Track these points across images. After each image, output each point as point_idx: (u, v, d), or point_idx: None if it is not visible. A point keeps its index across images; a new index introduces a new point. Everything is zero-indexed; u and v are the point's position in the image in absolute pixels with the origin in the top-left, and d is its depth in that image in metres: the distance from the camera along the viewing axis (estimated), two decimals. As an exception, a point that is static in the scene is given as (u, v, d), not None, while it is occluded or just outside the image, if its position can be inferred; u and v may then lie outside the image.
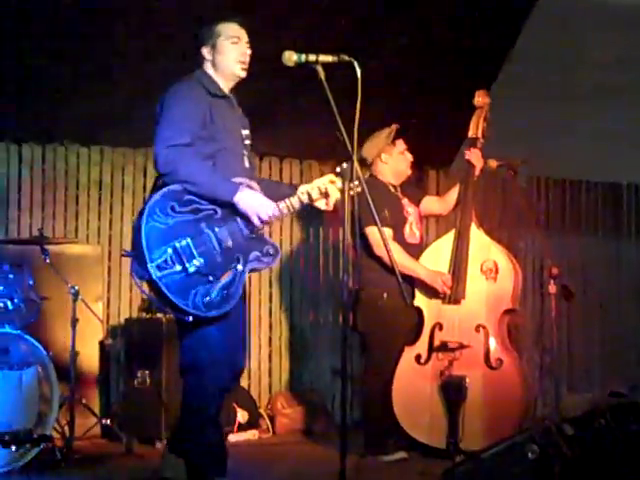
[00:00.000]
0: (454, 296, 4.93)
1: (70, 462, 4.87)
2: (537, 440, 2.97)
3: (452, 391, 4.82)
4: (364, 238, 4.97)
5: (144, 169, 6.60)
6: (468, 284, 4.94)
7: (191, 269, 3.50)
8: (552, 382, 6.38)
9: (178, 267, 3.49)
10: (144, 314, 6.02)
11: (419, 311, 5.05)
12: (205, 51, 3.89)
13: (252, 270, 3.73)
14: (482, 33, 5.89)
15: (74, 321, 5.28)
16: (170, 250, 3.49)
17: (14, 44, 5.38)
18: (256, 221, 3.67)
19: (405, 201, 5.23)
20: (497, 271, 4.95)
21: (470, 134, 5.12)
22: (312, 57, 3.61)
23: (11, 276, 5.02)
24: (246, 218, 3.66)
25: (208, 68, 3.90)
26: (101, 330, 6.19)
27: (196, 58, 3.94)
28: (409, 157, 5.22)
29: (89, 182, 6.50)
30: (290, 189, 3.92)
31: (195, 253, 3.53)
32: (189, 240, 3.53)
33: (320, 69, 3.60)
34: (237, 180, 3.71)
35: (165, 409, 5.62)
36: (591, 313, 7.68)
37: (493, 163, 5.13)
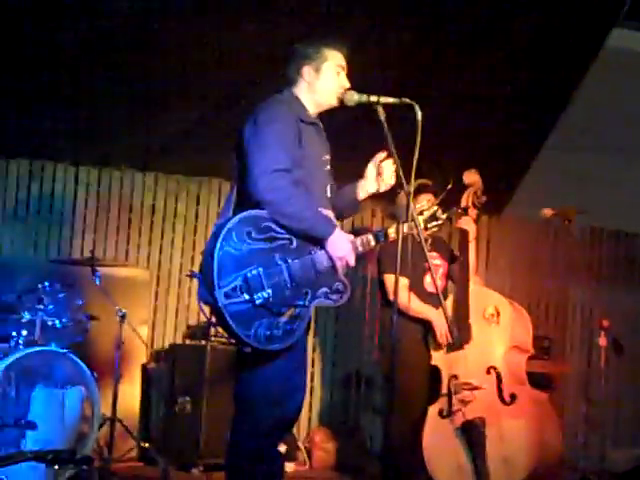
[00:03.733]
0: (457, 343, 5.03)
1: (106, 484, 4.90)
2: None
3: (471, 433, 4.90)
4: (382, 284, 5.24)
5: (197, 197, 6.67)
6: (474, 332, 5.06)
7: (258, 301, 3.36)
8: (598, 436, 6.28)
9: (246, 297, 3.35)
10: (188, 340, 6.04)
11: (436, 369, 5.15)
12: (306, 71, 3.70)
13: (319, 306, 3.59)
14: (540, 82, 5.87)
15: (119, 343, 5.31)
16: (240, 278, 3.36)
17: (77, 68, 5.47)
18: (340, 268, 3.56)
19: (434, 254, 5.34)
20: (499, 315, 5.09)
21: (462, 205, 5.18)
22: (374, 98, 3.60)
23: (61, 295, 5.08)
24: (323, 253, 3.53)
25: (300, 90, 3.73)
26: (145, 354, 6.22)
27: (287, 74, 3.74)
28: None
29: (142, 207, 6.58)
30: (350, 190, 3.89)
31: (265, 284, 3.38)
32: (261, 270, 3.39)
33: (381, 109, 3.60)
34: (323, 211, 3.61)
35: (204, 437, 5.61)
36: (639, 368, 7.55)
37: (548, 212, 5.13)
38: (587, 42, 5.75)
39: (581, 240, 7.43)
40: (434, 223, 3.84)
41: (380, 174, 3.82)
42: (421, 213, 3.82)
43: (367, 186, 3.89)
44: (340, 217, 3.93)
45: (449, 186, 4.77)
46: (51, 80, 5.58)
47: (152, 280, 6.48)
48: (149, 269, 6.49)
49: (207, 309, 3.48)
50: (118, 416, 5.40)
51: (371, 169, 3.85)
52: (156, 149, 6.30)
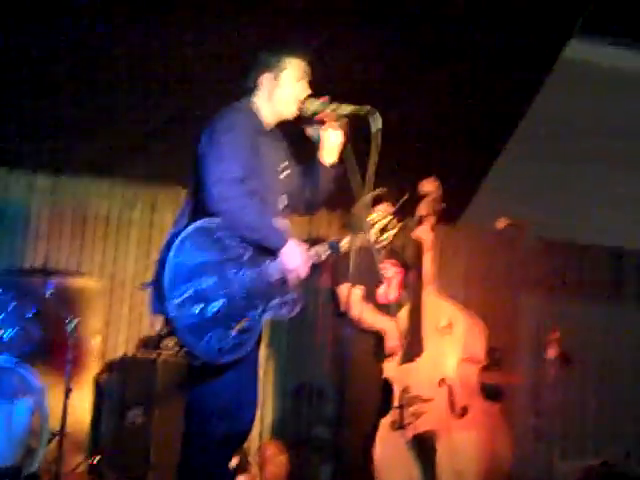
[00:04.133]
0: (409, 355, 5.03)
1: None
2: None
3: (422, 446, 4.90)
4: (335, 295, 5.24)
5: (152, 204, 6.60)
6: (427, 343, 5.06)
7: (210, 312, 3.33)
8: (545, 447, 6.32)
9: (197, 308, 3.32)
10: (141, 352, 5.98)
11: (388, 381, 5.14)
12: (264, 79, 3.69)
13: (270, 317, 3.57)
14: (497, 93, 5.94)
15: (71, 355, 5.24)
16: (192, 289, 3.32)
17: (34, 75, 5.42)
18: (292, 280, 3.55)
19: (389, 265, 5.36)
20: (452, 326, 5.11)
21: (419, 214, 5.21)
22: (333, 106, 3.63)
23: (12, 305, 5.00)
24: (276, 264, 3.52)
25: (260, 98, 3.71)
26: (97, 365, 6.15)
27: (245, 82, 3.73)
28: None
29: (96, 216, 6.50)
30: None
31: (217, 296, 3.35)
32: (213, 281, 3.36)
33: (342, 119, 3.62)
34: (277, 222, 3.59)
35: (155, 450, 5.55)
36: (588, 378, 7.64)
37: (501, 223, 5.18)
38: (543, 54, 5.84)
39: (533, 251, 7.50)
40: (388, 233, 3.84)
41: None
42: (375, 224, 3.82)
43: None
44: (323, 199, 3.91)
45: (405, 197, 4.81)
46: (4, 87, 5.52)
47: (105, 290, 6.40)
48: (102, 279, 6.42)
49: (160, 320, 3.45)
50: (68, 429, 5.31)
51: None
52: (111, 157, 6.23)
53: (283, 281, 3.56)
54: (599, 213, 6.97)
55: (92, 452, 5.82)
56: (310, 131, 3.79)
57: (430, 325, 5.11)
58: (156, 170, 6.41)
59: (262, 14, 5.19)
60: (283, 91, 3.69)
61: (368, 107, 3.53)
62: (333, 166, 3.81)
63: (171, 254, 3.32)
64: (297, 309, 3.61)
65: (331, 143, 3.76)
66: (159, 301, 3.34)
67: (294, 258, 3.55)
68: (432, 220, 5.26)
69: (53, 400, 5.16)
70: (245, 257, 3.48)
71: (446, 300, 5.37)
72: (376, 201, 5.12)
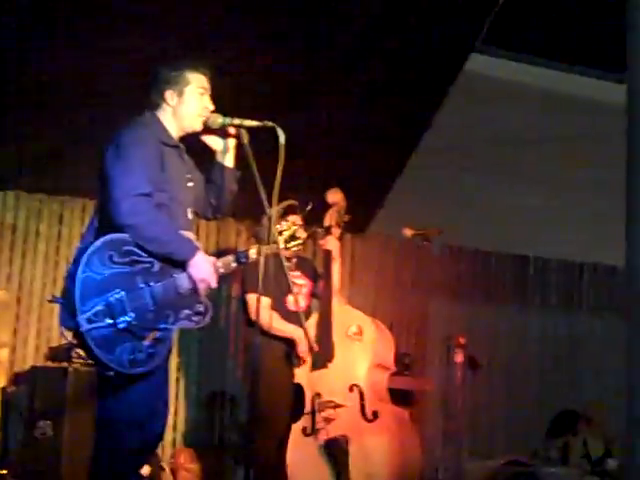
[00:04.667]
0: (320, 361, 5.10)
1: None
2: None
3: (334, 450, 4.97)
4: (244, 303, 5.27)
5: (60, 216, 6.56)
6: (337, 350, 5.14)
7: (121, 325, 3.35)
8: (455, 448, 6.46)
9: (108, 321, 3.33)
10: (50, 362, 5.91)
11: (299, 387, 5.21)
12: (168, 95, 3.69)
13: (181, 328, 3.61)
14: (401, 104, 6.05)
15: (-23, 367, 5.18)
16: (102, 303, 3.34)
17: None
18: (202, 290, 3.58)
19: (298, 273, 5.40)
20: (362, 333, 5.19)
21: (324, 224, 5.30)
22: (237, 121, 3.67)
23: None
24: (184, 275, 3.54)
25: (163, 113, 3.72)
26: (4, 377, 6.06)
27: (149, 97, 3.72)
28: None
29: (2, 226, 6.43)
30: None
31: (127, 308, 3.37)
32: (123, 294, 3.37)
33: (244, 133, 3.66)
34: (185, 234, 3.62)
35: (65, 462, 5.50)
36: (496, 381, 7.82)
37: (409, 232, 5.27)
38: (446, 66, 5.97)
39: (440, 258, 7.64)
40: (294, 242, 3.90)
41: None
42: (281, 233, 3.88)
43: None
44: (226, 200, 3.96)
45: (309, 206, 4.89)
46: None
47: (12, 301, 6.32)
48: (9, 290, 6.33)
49: (69, 334, 3.45)
50: (-25, 442, 5.25)
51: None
52: (18, 167, 6.16)
53: (193, 291, 3.59)
54: (503, 221, 7.15)
55: (0, 464, 5.73)
56: (209, 139, 3.85)
57: (340, 332, 5.19)
58: (62, 183, 6.36)
59: (163, 28, 5.19)
60: (188, 107, 3.71)
61: (271, 123, 3.60)
62: (234, 168, 3.89)
63: (80, 269, 3.34)
64: (207, 319, 3.65)
65: (231, 148, 3.84)
66: (70, 315, 3.35)
67: (203, 269, 3.58)
68: (338, 230, 5.34)
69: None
70: (154, 269, 3.50)
71: (354, 308, 5.46)
72: (285, 212, 5.20)
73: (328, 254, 5.34)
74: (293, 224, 3.92)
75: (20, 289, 6.43)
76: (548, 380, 8.09)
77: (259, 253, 3.67)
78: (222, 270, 3.67)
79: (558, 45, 6.12)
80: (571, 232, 7.39)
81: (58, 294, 3.54)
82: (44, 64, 5.32)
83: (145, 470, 5.94)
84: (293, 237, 3.88)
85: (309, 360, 5.15)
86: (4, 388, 6.07)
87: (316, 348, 4.93)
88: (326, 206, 5.32)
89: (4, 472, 5.50)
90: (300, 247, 3.92)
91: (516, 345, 8.04)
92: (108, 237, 3.43)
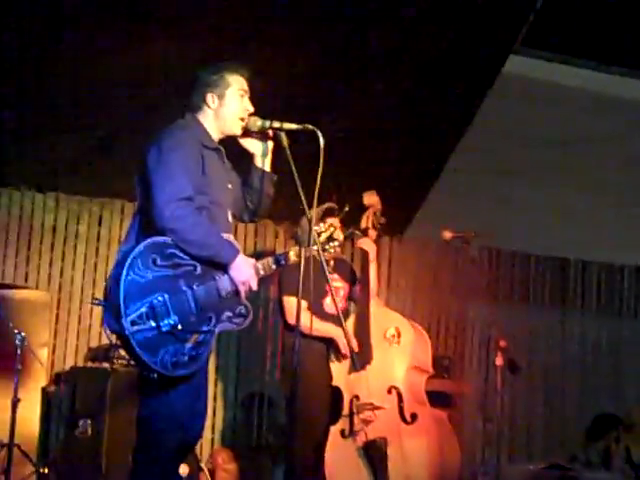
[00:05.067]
0: (360, 364, 5.07)
1: (4, 511, 4.81)
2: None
3: (373, 452, 4.96)
4: (282, 306, 5.29)
5: (99, 218, 6.61)
6: (375, 353, 5.14)
7: (164, 327, 3.37)
8: (494, 452, 6.43)
9: (152, 324, 3.35)
10: (90, 363, 5.96)
11: (338, 389, 5.19)
12: (209, 98, 3.69)
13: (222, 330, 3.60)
14: (440, 107, 6.03)
15: (18, 367, 5.23)
16: (146, 306, 3.35)
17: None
18: (243, 292, 3.59)
19: (336, 276, 5.38)
20: (400, 335, 5.19)
21: (361, 226, 5.30)
22: (277, 124, 3.67)
23: (-40, 317, 4.98)
24: (226, 278, 3.55)
25: (205, 116, 3.72)
26: (45, 377, 6.12)
27: (188, 100, 3.72)
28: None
29: (43, 228, 6.48)
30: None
31: (170, 311, 3.39)
32: (166, 297, 3.39)
33: (284, 136, 3.66)
34: (225, 236, 3.62)
35: (105, 461, 5.54)
36: (535, 385, 7.77)
37: (447, 234, 5.26)
38: (485, 68, 5.93)
39: (479, 261, 7.61)
40: (332, 244, 3.90)
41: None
42: (319, 235, 3.88)
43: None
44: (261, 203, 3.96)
45: (346, 208, 4.88)
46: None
47: (53, 302, 6.37)
48: (49, 291, 6.39)
49: (113, 336, 3.48)
50: (16, 441, 5.29)
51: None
52: (57, 169, 6.21)
53: (234, 294, 3.61)
54: (542, 223, 7.10)
55: (41, 463, 5.78)
56: (247, 142, 3.86)
57: (378, 335, 5.18)
58: (101, 185, 6.41)
59: (200, 30, 5.21)
60: (229, 109, 3.72)
61: (311, 126, 3.60)
62: (272, 172, 3.90)
63: (124, 272, 3.35)
64: (248, 320, 3.66)
65: (269, 151, 3.85)
66: (114, 319, 3.37)
67: (244, 271, 3.59)
68: (375, 232, 5.34)
69: (1, 412, 5.14)
70: (197, 272, 3.52)
71: (392, 310, 5.45)
72: (324, 214, 5.21)
73: (365, 256, 5.33)
74: (331, 226, 3.92)
75: (60, 290, 6.48)
76: (588, 384, 8.02)
77: (298, 255, 3.67)
78: (262, 272, 3.68)
79: (596, 46, 6.07)
80: (612, 234, 7.32)
81: (97, 295, 3.58)
82: (82, 65, 5.35)
83: (184, 470, 5.97)
84: (331, 238, 3.88)
85: (347, 363, 5.14)
86: (44, 388, 6.13)
87: (356, 348, 4.93)
88: (363, 208, 5.32)
89: (45, 471, 5.54)
90: (337, 248, 3.92)
91: (556, 348, 7.98)
92: (150, 240, 3.45)
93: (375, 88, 5.76)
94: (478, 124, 6.22)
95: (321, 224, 3.86)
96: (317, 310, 5.15)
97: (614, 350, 8.14)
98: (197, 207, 3.54)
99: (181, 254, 3.48)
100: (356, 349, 4.93)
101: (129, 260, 3.37)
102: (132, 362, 3.78)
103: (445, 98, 5.91)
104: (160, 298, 3.39)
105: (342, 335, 5.08)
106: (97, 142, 5.84)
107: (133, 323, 3.34)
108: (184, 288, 3.46)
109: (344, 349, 5.11)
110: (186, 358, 3.43)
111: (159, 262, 3.43)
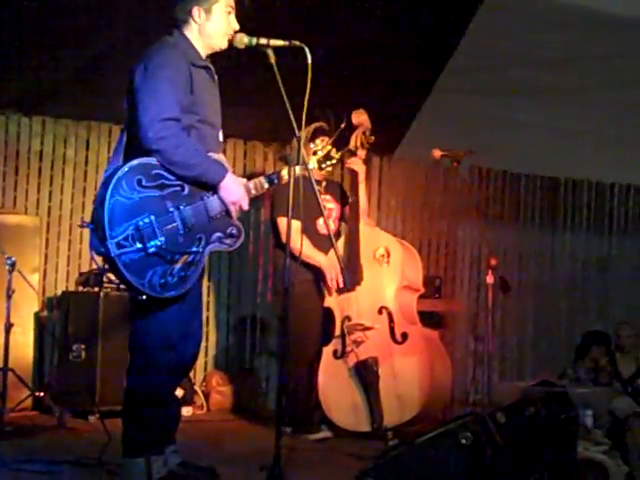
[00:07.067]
0: (349, 285, 5.09)
1: (0, 434, 4.83)
2: (470, 427, 3.04)
3: (364, 372, 5.01)
4: (275, 226, 5.29)
5: (86, 142, 6.56)
6: (365, 272, 5.15)
7: (151, 249, 3.35)
8: (485, 370, 6.49)
9: (138, 245, 3.33)
10: (81, 287, 5.97)
11: (330, 311, 5.23)
12: (196, 12, 3.64)
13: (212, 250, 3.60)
14: (429, 26, 5.93)
15: (10, 292, 5.23)
16: (132, 227, 3.33)
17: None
18: (234, 213, 3.58)
19: (328, 197, 5.39)
20: (389, 255, 5.18)
21: (350, 146, 5.25)
22: (263, 41, 3.62)
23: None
24: (215, 198, 3.55)
25: (190, 31, 3.68)
26: (37, 302, 6.13)
27: (174, 15, 3.67)
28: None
29: (29, 153, 6.42)
30: None
31: (157, 232, 3.37)
32: (152, 218, 3.37)
33: (271, 53, 3.61)
34: (215, 156, 3.61)
35: (99, 384, 5.59)
36: (525, 303, 7.83)
37: (437, 153, 5.21)
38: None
39: (469, 180, 7.60)
40: (328, 162, 3.88)
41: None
42: (315, 153, 3.85)
43: None
44: None
45: (342, 125, 4.83)
46: None
47: (42, 227, 6.34)
48: (38, 216, 6.35)
49: (100, 259, 3.46)
50: (10, 366, 5.31)
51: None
52: (43, 92, 6.12)
53: (225, 214, 3.59)
54: (533, 143, 7.06)
55: (37, 388, 5.83)
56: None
57: (367, 255, 5.18)
58: (88, 108, 6.33)
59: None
60: (215, 25, 3.68)
61: (298, 42, 3.55)
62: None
63: (108, 194, 3.32)
64: (240, 241, 3.65)
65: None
66: (99, 241, 3.35)
67: (234, 191, 3.58)
68: (364, 152, 5.29)
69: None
70: (184, 193, 3.50)
71: (381, 230, 5.44)
72: (314, 134, 5.16)
73: (355, 176, 5.30)
74: (327, 144, 3.89)
75: (49, 215, 6.45)
76: (577, 302, 8.09)
77: (290, 175, 3.64)
78: (254, 192, 3.67)
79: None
80: (603, 153, 7.29)
81: (87, 219, 3.54)
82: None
83: (178, 393, 6.03)
84: (327, 157, 3.86)
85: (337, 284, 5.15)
86: (37, 313, 6.15)
87: (346, 277, 4.91)
88: (351, 128, 5.26)
89: (41, 394, 5.59)
90: (332, 168, 3.91)
91: (546, 267, 8.03)
92: (136, 161, 3.42)
93: (363, 5, 5.65)
94: (471, 42, 6.12)
95: (317, 141, 3.84)
96: (310, 231, 5.15)
97: (603, 268, 8.19)
98: (185, 126, 3.50)
99: (168, 175, 3.45)
100: (345, 279, 4.94)
101: (113, 181, 3.34)
102: (122, 286, 3.76)
103: (435, 13, 5.80)
104: (146, 220, 3.37)
105: (330, 265, 5.10)
106: (83, 64, 5.73)
107: (119, 245, 3.32)
108: (171, 209, 3.44)
109: (330, 282, 5.15)
110: (175, 279, 3.43)
111: (145, 183, 3.40)
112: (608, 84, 6.50)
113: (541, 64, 6.32)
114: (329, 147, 3.89)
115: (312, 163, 3.84)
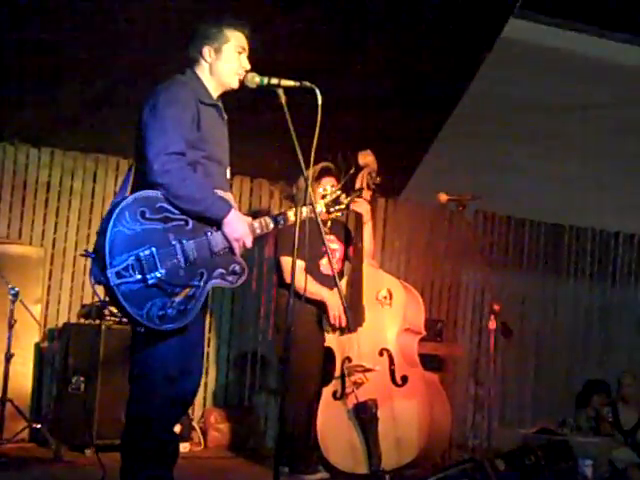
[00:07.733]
0: (351, 325, 5.07)
1: (-4, 465, 4.83)
2: (470, 474, 3.03)
3: (363, 414, 4.98)
4: (278, 265, 5.31)
5: (94, 174, 6.58)
6: (367, 314, 5.13)
7: (151, 280, 3.35)
8: (485, 415, 6.47)
9: (138, 276, 3.33)
10: (83, 319, 5.96)
11: (330, 351, 5.22)
12: (206, 51, 3.69)
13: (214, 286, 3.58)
14: (438, 70, 5.98)
15: (11, 322, 5.22)
16: (132, 258, 3.33)
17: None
18: (237, 250, 3.58)
19: (332, 237, 5.41)
20: (391, 297, 5.17)
21: (356, 187, 5.26)
22: (274, 80, 3.63)
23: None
24: (219, 234, 3.54)
25: (202, 71, 3.71)
26: (38, 333, 6.12)
27: (188, 54, 3.71)
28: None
29: (37, 184, 6.44)
30: None
31: (158, 264, 3.37)
32: (154, 250, 3.37)
33: (281, 93, 3.63)
34: (221, 193, 3.60)
35: (97, 417, 5.57)
36: (526, 349, 7.81)
37: (443, 197, 5.22)
38: (483, 33, 5.88)
39: (474, 225, 7.62)
40: (337, 207, 3.90)
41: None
42: (323, 197, 3.87)
43: None
44: None
45: (352, 170, 4.84)
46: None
47: (46, 258, 6.35)
48: (43, 247, 6.36)
49: (100, 289, 3.46)
50: (9, 396, 5.30)
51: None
52: (52, 124, 6.17)
53: (228, 251, 3.59)
54: (537, 189, 7.09)
55: (34, 419, 5.80)
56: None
57: (370, 296, 5.17)
58: (96, 141, 6.37)
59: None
60: (225, 64, 3.70)
61: (309, 83, 3.57)
62: None
63: (111, 223, 3.33)
64: (242, 279, 3.64)
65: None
66: (99, 270, 3.35)
67: (238, 228, 3.57)
68: (369, 193, 5.30)
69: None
70: (188, 227, 3.50)
71: (385, 272, 5.43)
72: (321, 174, 5.17)
73: (359, 217, 5.32)
74: (337, 188, 3.91)
75: (53, 246, 6.46)
76: (579, 349, 8.07)
77: (297, 215, 3.64)
78: (258, 231, 3.67)
79: (597, 11, 6.00)
80: (607, 201, 7.32)
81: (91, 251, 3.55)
82: (78, 20, 5.30)
83: (176, 429, 6.00)
84: (336, 202, 3.88)
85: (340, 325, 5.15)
86: (38, 344, 6.14)
87: (349, 315, 4.90)
88: (358, 168, 5.28)
89: (38, 426, 5.56)
90: (341, 212, 3.92)
91: (548, 313, 8.02)
92: (141, 193, 3.43)
93: (373, 51, 5.71)
94: (477, 89, 6.17)
95: (327, 186, 3.85)
96: (314, 271, 5.16)
97: (605, 316, 8.18)
98: (190, 162, 3.52)
99: (172, 208, 3.46)
100: (347, 318, 4.93)
101: (117, 211, 3.35)
102: (124, 319, 3.75)
103: (443, 61, 5.86)
104: (147, 251, 3.37)
105: (334, 303, 5.10)
106: (93, 98, 5.78)
107: (118, 275, 3.31)
108: (173, 242, 3.44)
109: (333, 319, 5.14)
110: (175, 312, 3.41)
111: (148, 215, 3.40)
112: (613, 132, 6.55)
113: (544, 110, 6.38)
114: (339, 192, 3.91)
115: (320, 206, 3.86)
